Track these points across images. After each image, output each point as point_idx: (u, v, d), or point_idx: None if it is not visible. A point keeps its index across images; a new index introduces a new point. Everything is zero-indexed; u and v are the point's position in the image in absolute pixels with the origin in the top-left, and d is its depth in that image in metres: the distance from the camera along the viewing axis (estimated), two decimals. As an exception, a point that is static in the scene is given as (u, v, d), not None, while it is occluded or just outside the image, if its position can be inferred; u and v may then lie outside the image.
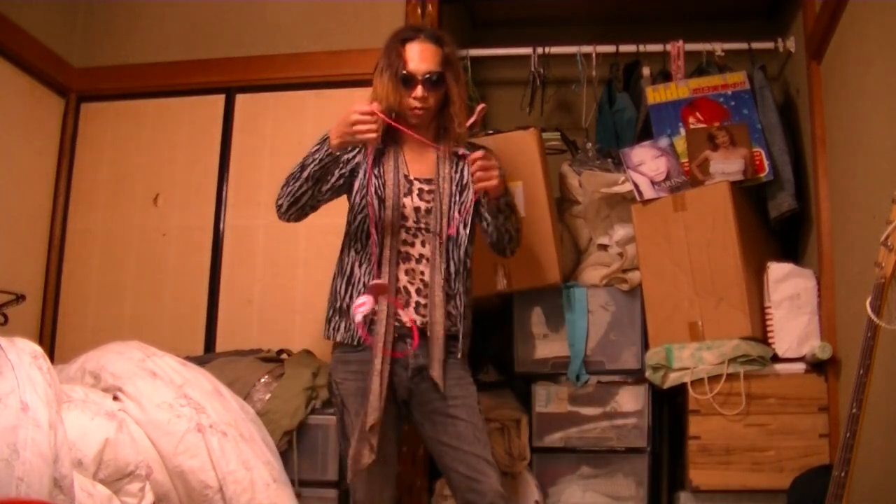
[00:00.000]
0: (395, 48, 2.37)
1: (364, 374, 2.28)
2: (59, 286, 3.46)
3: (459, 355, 2.35)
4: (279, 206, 2.43)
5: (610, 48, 3.41)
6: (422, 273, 2.34)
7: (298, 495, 2.59)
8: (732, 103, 3.11)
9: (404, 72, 2.33)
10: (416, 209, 2.37)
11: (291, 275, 3.31)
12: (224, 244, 3.38)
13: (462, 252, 2.36)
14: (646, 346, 2.96)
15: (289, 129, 3.43)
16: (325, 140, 2.33)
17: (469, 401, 2.33)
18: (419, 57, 2.35)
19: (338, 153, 2.34)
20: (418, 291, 2.33)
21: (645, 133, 3.25)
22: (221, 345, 3.28)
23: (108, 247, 3.47)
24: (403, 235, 2.35)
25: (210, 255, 3.38)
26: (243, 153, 3.44)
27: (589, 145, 3.35)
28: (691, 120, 3.12)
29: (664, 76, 3.32)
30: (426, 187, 2.39)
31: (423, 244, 2.35)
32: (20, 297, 3.12)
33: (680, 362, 2.76)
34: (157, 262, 3.42)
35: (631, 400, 2.95)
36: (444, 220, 2.34)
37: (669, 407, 3.06)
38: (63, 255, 3.49)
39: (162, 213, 3.46)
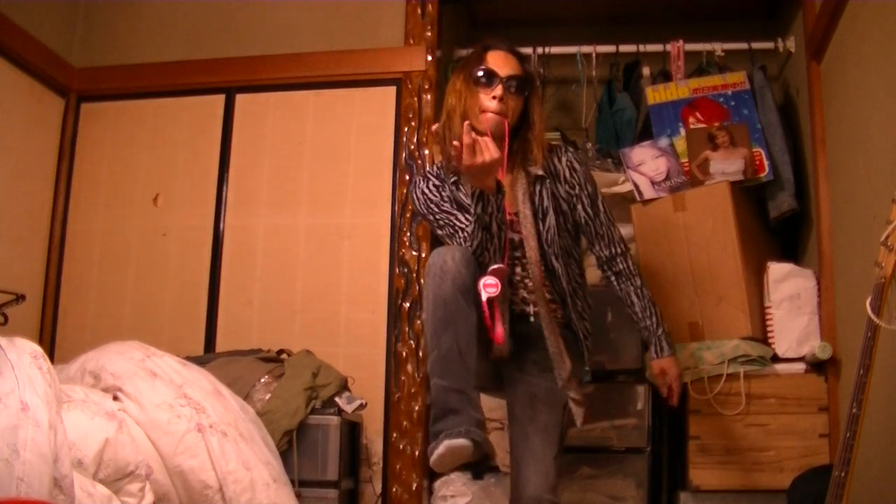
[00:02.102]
0: (475, 54, 2.29)
1: None
2: (59, 286, 3.46)
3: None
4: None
5: (610, 48, 3.41)
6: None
7: (298, 495, 2.59)
8: (732, 103, 3.11)
9: (483, 68, 2.22)
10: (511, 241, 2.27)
11: (291, 275, 3.31)
12: (224, 244, 3.38)
13: (565, 283, 2.29)
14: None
15: (289, 129, 3.43)
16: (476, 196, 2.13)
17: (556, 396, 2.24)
18: (502, 61, 2.26)
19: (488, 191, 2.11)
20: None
21: (645, 133, 3.25)
22: (221, 345, 3.28)
23: (108, 247, 3.47)
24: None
25: (210, 255, 3.38)
26: (243, 153, 3.44)
27: (589, 145, 3.36)
28: (691, 120, 3.12)
29: (664, 76, 3.33)
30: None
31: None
32: (20, 297, 3.12)
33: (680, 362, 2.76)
34: (157, 262, 3.42)
35: (631, 400, 2.95)
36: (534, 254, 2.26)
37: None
38: (63, 255, 3.49)
39: (162, 213, 3.46)
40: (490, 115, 2.21)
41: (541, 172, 2.32)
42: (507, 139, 2.23)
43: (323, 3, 3.49)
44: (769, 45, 3.31)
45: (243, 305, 3.32)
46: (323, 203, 3.34)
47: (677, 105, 3.16)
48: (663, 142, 3.11)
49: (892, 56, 2.16)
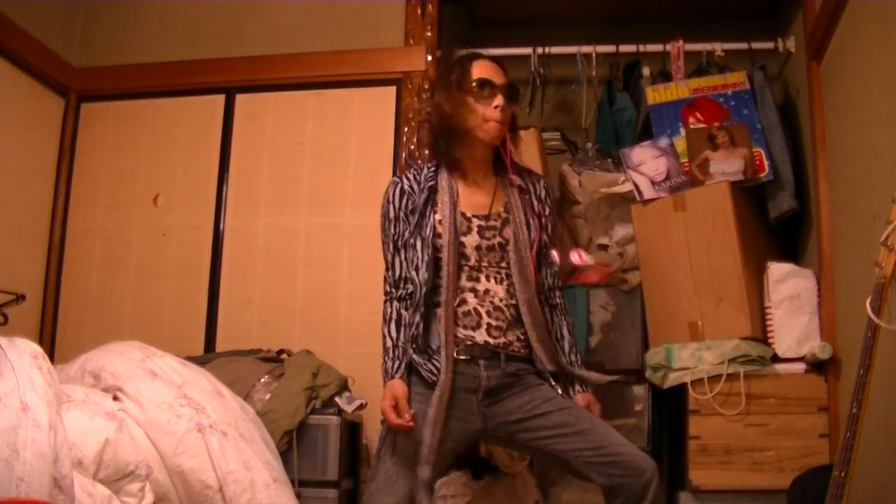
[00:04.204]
0: (460, 64, 2.26)
1: None
2: (59, 286, 3.46)
3: None
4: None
5: (610, 48, 3.41)
6: None
7: (298, 495, 2.59)
8: (732, 103, 3.11)
9: (483, 78, 2.20)
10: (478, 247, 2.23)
11: (291, 275, 3.31)
12: (224, 244, 3.38)
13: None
14: (646, 346, 2.96)
15: (289, 129, 3.43)
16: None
17: None
18: (494, 71, 2.24)
19: None
20: None
21: (645, 133, 3.25)
22: (221, 345, 3.28)
23: (108, 247, 3.47)
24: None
25: (210, 255, 3.38)
26: (243, 153, 3.44)
27: (589, 145, 3.36)
28: (691, 120, 3.12)
29: (664, 76, 3.33)
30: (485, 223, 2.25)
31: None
32: (20, 297, 3.12)
33: (680, 362, 2.76)
34: (157, 262, 3.42)
35: (631, 400, 2.95)
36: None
37: (669, 407, 3.06)
38: (63, 255, 3.49)
39: (162, 213, 3.46)
40: (493, 124, 2.20)
41: (523, 184, 2.30)
42: (507, 146, 2.27)
43: (323, 3, 3.49)
44: (769, 45, 3.31)
45: (243, 305, 3.32)
46: (323, 203, 3.34)
47: (677, 105, 3.16)
48: (663, 142, 3.11)
49: (892, 56, 2.16)
